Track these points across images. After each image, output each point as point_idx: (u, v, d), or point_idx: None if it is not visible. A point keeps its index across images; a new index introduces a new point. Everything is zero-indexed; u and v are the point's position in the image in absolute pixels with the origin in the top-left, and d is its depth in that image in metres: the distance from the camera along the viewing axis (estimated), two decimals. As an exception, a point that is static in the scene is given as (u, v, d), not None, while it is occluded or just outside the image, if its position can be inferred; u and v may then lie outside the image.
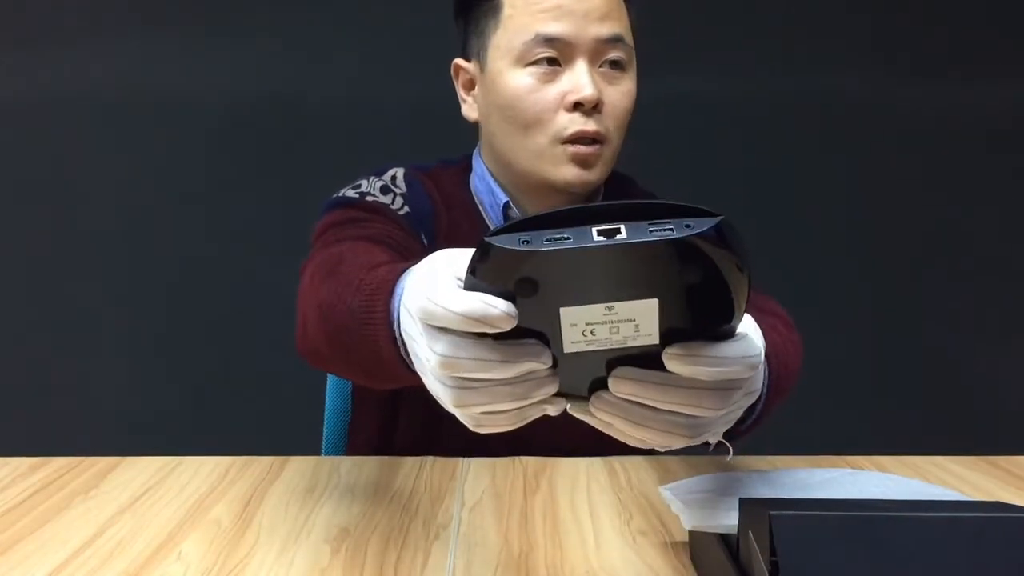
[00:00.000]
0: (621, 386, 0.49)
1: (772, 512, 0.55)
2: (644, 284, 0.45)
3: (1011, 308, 2.20)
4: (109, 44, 2.07)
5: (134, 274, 2.11)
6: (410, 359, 0.58)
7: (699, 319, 0.47)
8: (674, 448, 0.53)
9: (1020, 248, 2.20)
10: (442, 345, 0.48)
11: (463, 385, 0.49)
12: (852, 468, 0.96)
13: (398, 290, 0.61)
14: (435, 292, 0.48)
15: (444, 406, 0.52)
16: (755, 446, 1.03)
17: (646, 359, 0.49)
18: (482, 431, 0.51)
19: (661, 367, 0.48)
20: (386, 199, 0.99)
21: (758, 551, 0.56)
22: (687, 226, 0.43)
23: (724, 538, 0.65)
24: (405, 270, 0.61)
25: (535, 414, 0.51)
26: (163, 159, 2.10)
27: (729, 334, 0.49)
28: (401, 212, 0.99)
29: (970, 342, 2.20)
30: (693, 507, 0.68)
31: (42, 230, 2.11)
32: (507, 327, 0.46)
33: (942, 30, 2.15)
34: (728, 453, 0.63)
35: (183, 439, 1.40)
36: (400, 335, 0.59)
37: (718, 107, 2.13)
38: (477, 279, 0.47)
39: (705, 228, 0.43)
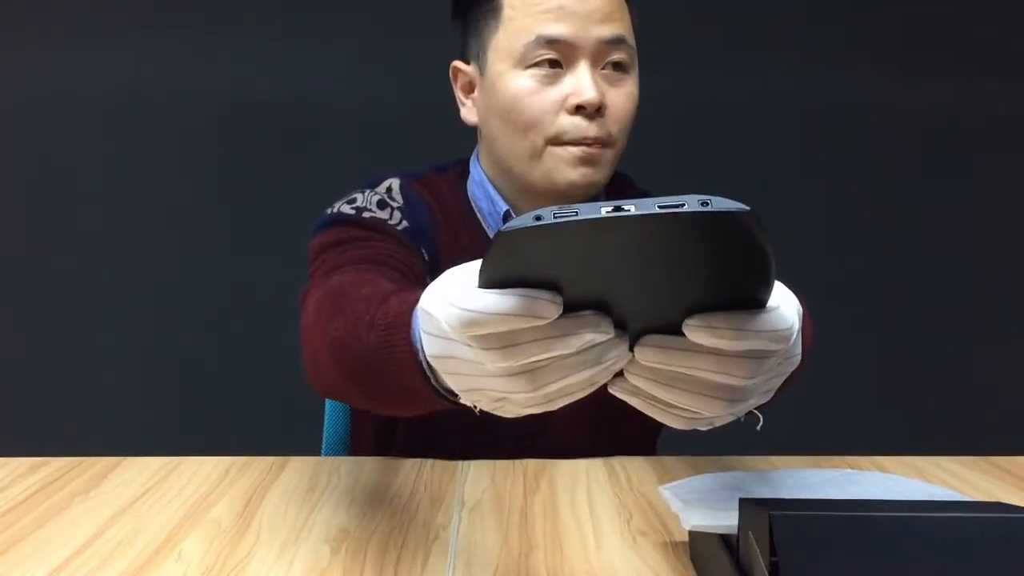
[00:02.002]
0: (646, 354, 0.49)
1: (772, 512, 0.55)
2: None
3: (1011, 308, 2.20)
4: (108, 44, 2.06)
5: (134, 273, 2.11)
6: (439, 384, 0.57)
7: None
8: (716, 422, 0.52)
9: (1020, 248, 2.20)
10: (496, 339, 0.47)
11: (529, 368, 0.48)
12: (852, 468, 0.96)
13: (415, 322, 0.59)
14: (468, 300, 0.47)
15: (513, 405, 0.51)
16: (755, 446, 1.03)
17: (677, 329, 0.48)
18: (554, 406, 0.50)
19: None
20: (383, 214, 0.96)
21: (758, 551, 0.56)
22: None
23: (724, 538, 0.65)
24: (418, 299, 0.58)
25: (605, 379, 0.50)
26: (164, 159, 2.10)
27: (758, 305, 0.48)
28: (400, 227, 0.96)
29: (970, 342, 2.20)
30: (693, 507, 0.68)
31: (42, 230, 2.11)
32: (555, 314, 0.46)
33: (942, 31, 2.15)
34: (758, 422, 0.61)
35: (183, 439, 1.40)
36: (427, 363, 0.57)
37: (718, 107, 2.13)
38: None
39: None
